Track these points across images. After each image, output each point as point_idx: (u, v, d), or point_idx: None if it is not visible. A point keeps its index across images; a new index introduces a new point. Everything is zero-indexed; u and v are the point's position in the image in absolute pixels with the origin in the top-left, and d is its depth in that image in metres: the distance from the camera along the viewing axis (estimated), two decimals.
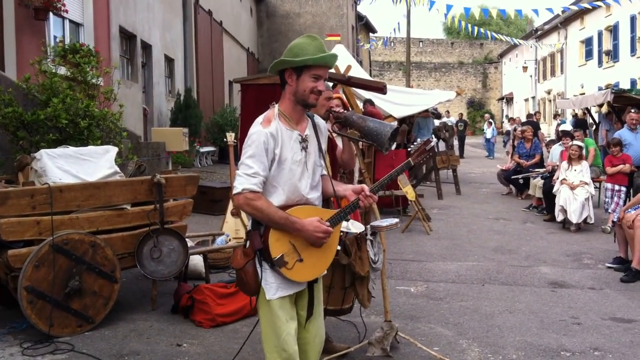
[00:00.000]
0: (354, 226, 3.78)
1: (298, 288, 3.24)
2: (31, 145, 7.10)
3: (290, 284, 3.18)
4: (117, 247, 5.45)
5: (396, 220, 4.64)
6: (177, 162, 15.06)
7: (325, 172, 3.45)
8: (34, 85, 7.59)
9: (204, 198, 10.46)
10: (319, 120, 3.43)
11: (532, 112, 32.93)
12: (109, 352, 4.76)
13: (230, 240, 7.59)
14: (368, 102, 11.53)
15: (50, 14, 10.53)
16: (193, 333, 5.23)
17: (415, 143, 3.57)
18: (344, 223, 3.68)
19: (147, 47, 16.38)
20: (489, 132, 28.58)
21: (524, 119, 28.65)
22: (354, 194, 3.36)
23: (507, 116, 47.11)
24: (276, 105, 3.23)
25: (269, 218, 3.06)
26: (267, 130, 3.08)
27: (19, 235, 4.92)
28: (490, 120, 30.05)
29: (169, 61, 18.48)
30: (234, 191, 3.09)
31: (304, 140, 3.23)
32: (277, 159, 3.11)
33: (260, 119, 3.18)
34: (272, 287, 3.14)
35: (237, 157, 11.92)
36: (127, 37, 15.14)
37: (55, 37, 11.04)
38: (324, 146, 3.41)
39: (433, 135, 17.21)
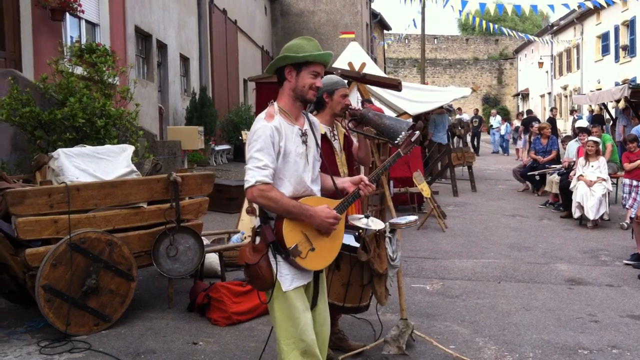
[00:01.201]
0: (374, 223, 3.78)
1: (309, 278, 3.34)
2: (48, 144, 7.15)
3: (302, 275, 3.27)
4: (133, 245, 5.48)
5: (415, 217, 4.64)
6: (192, 161, 15.10)
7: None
8: (51, 85, 7.64)
9: (219, 196, 10.49)
10: (312, 117, 3.54)
11: (548, 108, 32.72)
12: (125, 351, 4.79)
13: (245, 238, 7.60)
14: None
15: (67, 14, 10.59)
16: (209, 331, 5.25)
17: (400, 136, 3.59)
18: (364, 220, 3.72)
19: (162, 47, 16.44)
20: (503, 128, 28.35)
21: (539, 115, 28.54)
22: (353, 185, 3.52)
23: (521, 112, 46.91)
24: (275, 103, 3.33)
25: (283, 207, 3.14)
26: (272, 124, 3.18)
27: (37, 234, 4.97)
28: (504, 117, 29.70)
29: (184, 60, 18.53)
30: (246, 185, 3.14)
31: (304, 134, 3.35)
32: (283, 151, 3.21)
33: (262, 115, 3.27)
34: (287, 279, 3.22)
35: None
36: (143, 36, 15.20)
37: (71, 37, 11.11)
38: (319, 142, 3.48)
39: (449, 133, 17.17)
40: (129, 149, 6.03)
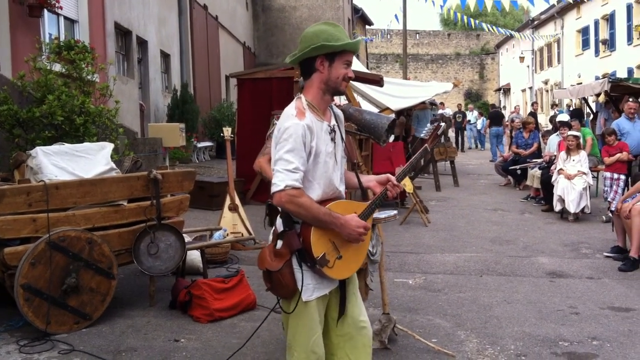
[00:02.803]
0: None
1: (331, 287, 3.11)
2: (27, 142, 7.08)
3: (325, 284, 3.06)
4: (113, 243, 5.43)
5: (394, 212, 4.63)
6: (174, 158, 15.04)
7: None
8: (29, 83, 7.56)
9: (202, 193, 10.45)
10: (337, 110, 3.27)
11: (529, 102, 32.95)
12: (106, 349, 4.75)
13: (227, 235, 7.59)
14: None
15: (45, 10, 10.48)
16: (191, 328, 5.23)
17: (426, 129, 3.56)
18: None
19: (142, 43, 16.34)
20: (479, 123, 28.43)
21: (522, 109, 28.78)
22: (379, 185, 3.24)
23: (504, 107, 47.20)
24: (302, 96, 3.04)
25: (313, 215, 2.90)
26: (304, 123, 2.91)
27: (15, 233, 4.91)
28: (480, 111, 29.84)
29: (165, 57, 18.43)
30: (274, 188, 2.87)
31: (332, 130, 3.10)
32: (314, 152, 2.96)
33: (292, 111, 2.98)
34: (309, 288, 3.00)
35: (234, 152, 11.82)
36: (123, 33, 15.10)
37: (50, 34, 11.00)
38: (344, 136, 3.25)
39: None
40: (108, 146, 5.97)
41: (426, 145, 3.60)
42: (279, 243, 3.03)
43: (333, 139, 3.08)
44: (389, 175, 3.26)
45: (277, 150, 2.92)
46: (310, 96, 3.04)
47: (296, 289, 2.98)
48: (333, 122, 3.14)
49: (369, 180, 3.32)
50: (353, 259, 3.13)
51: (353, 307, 3.23)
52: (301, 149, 2.89)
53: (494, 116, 23.09)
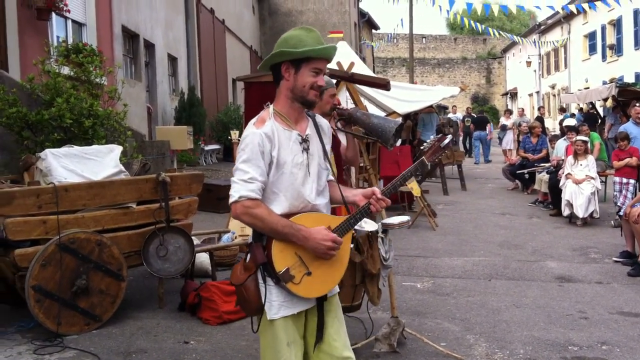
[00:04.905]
0: (367, 224, 3.74)
1: (305, 306, 2.90)
2: (36, 145, 7.12)
3: (295, 302, 2.85)
4: (123, 245, 5.45)
5: (407, 217, 4.62)
6: (182, 161, 15.06)
7: (332, 177, 3.12)
8: (38, 85, 7.61)
9: (209, 196, 10.46)
10: (321, 119, 3.09)
11: (536, 106, 32.84)
12: (116, 350, 4.76)
13: (236, 237, 7.59)
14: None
15: (53, 14, 10.52)
16: (200, 330, 5.23)
17: (427, 141, 3.33)
18: None
19: (150, 46, 16.39)
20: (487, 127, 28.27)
21: (528, 114, 28.71)
22: (364, 199, 3.01)
23: (510, 111, 47.10)
24: (271, 105, 2.91)
25: (270, 227, 2.75)
26: (261, 131, 2.78)
27: (26, 234, 4.94)
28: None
29: (172, 60, 18.48)
30: (230, 200, 2.77)
31: (304, 140, 2.90)
32: (275, 161, 2.80)
33: (253, 120, 2.87)
34: (274, 306, 2.82)
35: None
36: (130, 36, 15.15)
37: (58, 37, 11.04)
38: (328, 147, 3.05)
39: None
40: (117, 149, 6.00)
41: (423, 157, 3.27)
42: (249, 256, 2.91)
43: (306, 149, 2.90)
44: (374, 188, 3.06)
45: (236, 161, 2.81)
46: (279, 105, 2.90)
47: (261, 305, 2.82)
48: (309, 131, 2.95)
49: (355, 194, 3.09)
50: (326, 277, 2.90)
51: (334, 336, 2.98)
52: (258, 159, 2.76)
53: (479, 121, 24.02)
